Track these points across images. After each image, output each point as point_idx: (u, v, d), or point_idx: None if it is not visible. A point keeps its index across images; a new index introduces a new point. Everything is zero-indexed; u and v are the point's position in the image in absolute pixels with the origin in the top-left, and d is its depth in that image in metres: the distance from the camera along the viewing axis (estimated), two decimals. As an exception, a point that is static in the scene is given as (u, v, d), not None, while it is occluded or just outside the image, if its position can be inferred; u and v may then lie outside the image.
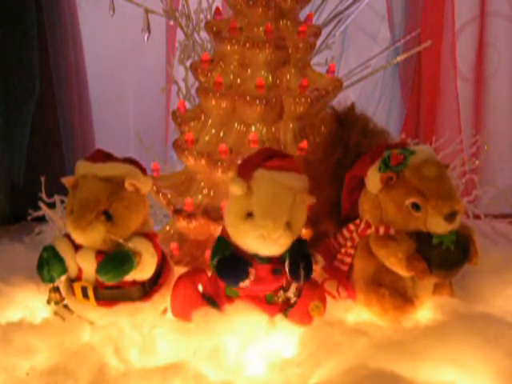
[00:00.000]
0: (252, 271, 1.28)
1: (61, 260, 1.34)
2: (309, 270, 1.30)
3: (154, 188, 1.55)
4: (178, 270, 1.44)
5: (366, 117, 1.55)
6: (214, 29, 1.59)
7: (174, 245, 1.55)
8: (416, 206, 1.31)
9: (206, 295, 1.36)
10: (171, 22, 2.04)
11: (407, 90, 2.46)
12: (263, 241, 1.26)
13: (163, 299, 1.38)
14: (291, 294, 1.32)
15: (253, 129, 1.53)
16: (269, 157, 1.32)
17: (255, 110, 1.50)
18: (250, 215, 1.27)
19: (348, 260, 1.42)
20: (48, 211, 1.81)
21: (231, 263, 1.29)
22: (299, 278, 1.29)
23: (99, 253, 1.31)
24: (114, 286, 1.32)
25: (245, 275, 1.28)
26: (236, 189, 1.28)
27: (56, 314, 1.38)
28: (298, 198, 1.29)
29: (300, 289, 1.33)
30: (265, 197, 1.27)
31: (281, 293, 1.33)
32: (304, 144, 1.51)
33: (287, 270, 1.29)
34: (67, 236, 1.35)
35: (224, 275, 1.30)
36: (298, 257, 1.29)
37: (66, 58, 2.31)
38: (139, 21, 1.89)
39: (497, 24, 2.39)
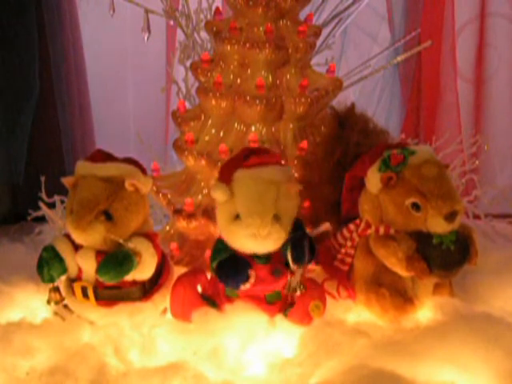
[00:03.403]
0: (252, 273, 1.28)
1: (61, 260, 1.34)
2: (312, 251, 1.30)
3: (154, 188, 1.55)
4: (178, 270, 1.44)
5: (366, 117, 1.55)
6: (214, 29, 1.59)
7: (173, 245, 1.55)
8: (416, 206, 1.31)
9: (205, 296, 1.36)
10: (171, 22, 2.04)
11: (407, 90, 2.46)
12: (255, 239, 1.27)
13: (163, 299, 1.38)
14: (295, 283, 1.31)
15: (253, 129, 1.53)
16: (246, 156, 1.33)
17: (255, 109, 1.50)
18: (237, 217, 1.28)
19: (348, 260, 1.42)
20: (48, 211, 1.81)
21: (231, 266, 1.29)
22: (303, 259, 1.28)
23: (99, 253, 1.31)
24: (114, 286, 1.32)
25: (245, 278, 1.28)
26: (219, 194, 1.29)
27: (56, 314, 1.38)
28: (283, 188, 1.29)
29: (304, 282, 1.32)
30: (247, 195, 1.28)
31: (287, 286, 1.32)
32: (304, 144, 1.50)
33: (290, 255, 1.29)
34: (67, 236, 1.35)
35: (224, 278, 1.30)
36: (299, 239, 1.29)
37: (66, 58, 2.31)
38: (139, 21, 1.89)
39: (497, 24, 2.39)
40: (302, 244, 1.29)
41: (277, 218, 1.27)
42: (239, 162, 1.32)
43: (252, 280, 1.28)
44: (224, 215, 1.30)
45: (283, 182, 1.30)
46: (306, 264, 1.31)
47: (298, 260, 1.29)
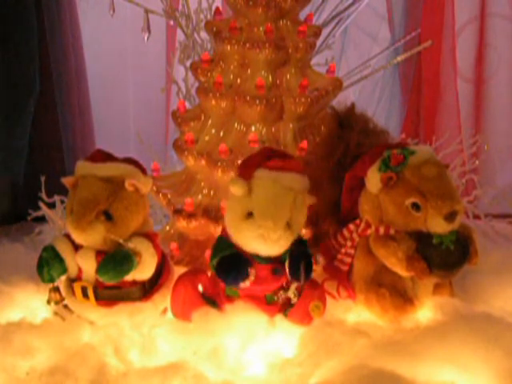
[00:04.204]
0: (252, 271, 1.28)
1: (61, 260, 1.34)
2: (309, 270, 1.31)
3: (154, 188, 1.55)
4: (178, 270, 1.44)
5: (366, 117, 1.55)
6: (214, 29, 1.58)
7: (173, 245, 1.55)
8: (416, 206, 1.31)
9: (205, 295, 1.36)
10: (171, 22, 2.04)
11: (407, 90, 2.46)
12: (263, 241, 1.26)
13: (163, 299, 1.38)
14: (291, 293, 1.32)
15: (253, 129, 1.53)
16: (269, 157, 1.32)
17: (255, 109, 1.50)
18: (250, 215, 1.27)
19: (348, 260, 1.42)
20: (48, 211, 1.81)
21: (231, 263, 1.29)
22: (299, 277, 1.29)
23: (99, 253, 1.31)
24: (114, 285, 1.32)
25: (245, 275, 1.28)
26: (237, 189, 1.28)
27: (56, 314, 1.38)
28: (299, 198, 1.29)
29: (300, 289, 1.33)
30: (265, 197, 1.27)
31: (281, 292, 1.33)
32: (304, 144, 1.50)
33: (287, 269, 1.29)
34: (67, 236, 1.35)
35: (224, 275, 1.30)
36: (298, 256, 1.30)
37: (66, 58, 2.31)
38: (139, 21, 1.89)
39: (497, 24, 2.39)
40: (299, 263, 1.29)
41: (288, 225, 1.27)
42: (261, 160, 1.32)
43: (252, 278, 1.28)
44: (236, 211, 1.29)
45: (300, 192, 1.30)
46: (301, 282, 1.31)
47: (294, 277, 1.30)
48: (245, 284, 1.28)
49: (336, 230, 1.45)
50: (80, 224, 1.29)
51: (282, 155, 1.35)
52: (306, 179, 1.34)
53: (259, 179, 1.29)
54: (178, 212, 1.53)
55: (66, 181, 1.35)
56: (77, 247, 1.34)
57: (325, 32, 1.89)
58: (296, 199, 1.29)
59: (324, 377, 1.16)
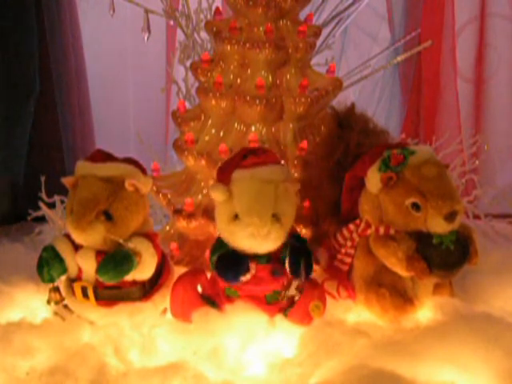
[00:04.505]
0: (252, 265, 1.28)
1: (61, 260, 1.34)
2: (309, 268, 1.31)
3: (154, 188, 1.55)
4: (178, 270, 1.44)
5: (366, 117, 1.55)
6: (214, 29, 1.59)
7: (173, 245, 1.55)
8: (416, 206, 1.31)
9: (205, 296, 1.36)
10: (171, 22, 2.04)
11: (407, 90, 2.46)
12: (254, 239, 1.27)
13: (163, 299, 1.38)
14: (293, 291, 1.32)
15: (253, 129, 1.53)
16: (244, 156, 1.33)
17: (255, 109, 1.50)
18: (237, 217, 1.28)
19: (348, 260, 1.43)
20: (48, 211, 1.81)
21: (231, 258, 1.30)
22: (300, 275, 1.29)
23: (99, 253, 1.31)
24: (114, 285, 1.32)
25: (245, 269, 1.28)
26: (218, 195, 1.29)
27: (56, 314, 1.38)
28: (281, 188, 1.29)
29: (301, 286, 1.33)
30: (246, 195, 1.28)
31: (283, 293, 1.33)
32: (304, 144, 1.51)
33: (287, 267, 1.29)
34: (67, 236, 1.35)
35: (224, 271, 1.30)
36: (298, 254, 1.30)
37: (66, 58, 2.31)
38: (139, 21, 1.89)
39: (497, 24, 2.39)
40: (299, 261, 1.29)
41: (276, 217, 1.27)
42: (237, 162, 1.33)
43: (252, 271, 1.28)
44: (223, 215, 1.30)
45: (281, 181, 1.30)
46: (302, 280, 1.31)
47: (294, 274, 1.30)
48: (246, 278, 1.28)
49: (336, 229, 1.45)
50: (80, 224, 1.29)
51: (256, 151, 1.35)
52: (285, 168, 1.35)
53: (237, 180, 1.30)
54: (177, 212, 1.53)
55: (66, 181, 1.35)
56: (77, 247, 1.34)
57: (325, 32, 1.89)
58: (278, 190, 1.29)
59: (324, 377, 1.16)
